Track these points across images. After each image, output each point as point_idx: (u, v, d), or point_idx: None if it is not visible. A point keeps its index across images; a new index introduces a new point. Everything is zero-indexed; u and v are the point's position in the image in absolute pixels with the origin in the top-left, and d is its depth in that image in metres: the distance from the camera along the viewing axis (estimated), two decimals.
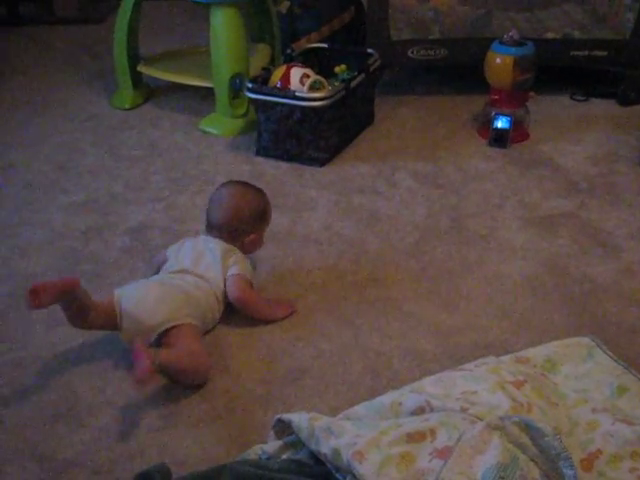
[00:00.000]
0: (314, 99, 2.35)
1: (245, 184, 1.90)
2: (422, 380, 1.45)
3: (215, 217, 1.82)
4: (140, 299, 1.63)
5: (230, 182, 1.92)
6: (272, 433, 1.38)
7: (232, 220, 1.80)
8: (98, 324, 1.62)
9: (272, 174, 2.40)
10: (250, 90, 2.43)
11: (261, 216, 1.84)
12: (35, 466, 1.40)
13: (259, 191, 1.89)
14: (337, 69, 2.59)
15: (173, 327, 1.60)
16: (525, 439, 1.18)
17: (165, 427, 1.48)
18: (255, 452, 1.35)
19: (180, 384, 1.57)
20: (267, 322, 1.74)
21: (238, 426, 1.48)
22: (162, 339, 1.60)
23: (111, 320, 1.62)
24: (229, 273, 1.75)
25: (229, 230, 1.80)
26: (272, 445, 1.35)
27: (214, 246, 1.78)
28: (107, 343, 1.67)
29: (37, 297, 1.50)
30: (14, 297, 1.86)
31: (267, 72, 2.51)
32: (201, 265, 1.75)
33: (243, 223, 1.80)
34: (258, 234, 1.84)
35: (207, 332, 1.72)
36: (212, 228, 1.82)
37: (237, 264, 1.76)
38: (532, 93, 2.56)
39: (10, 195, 2.32)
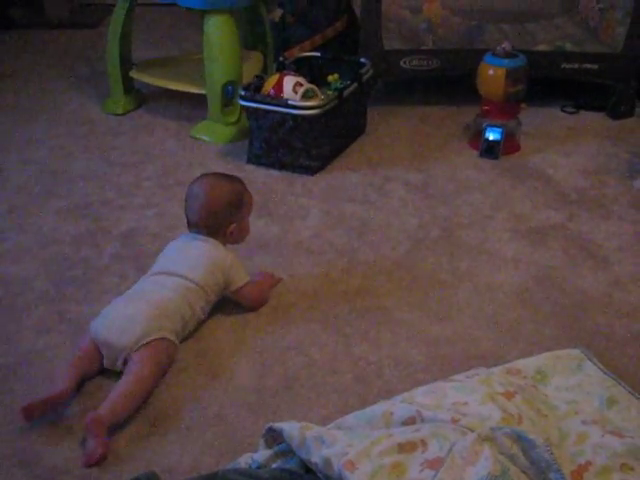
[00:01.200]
0: (306, 107, 2.35)
1: (216, 176, 1.88)
2: (413, 390, 1.46)
3: (191, 216, 1.81)
4: (109, 324, 1.62)
5: (201, 176, 1.88)
6: (262, 442, 1.37)
7: (207, 217, 1.78)
8: (98, 366, 1.62)
9: (263, 182, 2.40)
10: (243, 98, 2.43)
11: (237, 205, 1.81)
12: (22, 473, 1.40)
13: (232, 180, 1.85)
14: (330, 78, 2.59)
15: (147, 343, 1.59)
16: (516, 450, 1.18)
17: (154, 434, 1.48)
18: (245, 461, 1.35)
19: None
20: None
21: (228, 434, 1.47)
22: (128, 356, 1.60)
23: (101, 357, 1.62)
24: (234, 288, 1.78)
25: (207, 226, 1.79)
26: (262, 454, 1.35)
27: (198, 243, 1.78)
28: None
29: (30, 414, 1.49)
30: (4, 302, 1.85)
31: (260, 80, 2.51)
32: (183, 264, 1.74)
33: (219, 217, 1.79)
34: (239, 223, 1.82)
35: (198, 339, 1.72)
36: (192, 225, 1.82)
37: (235, 274, 1.78)
38: (523, 105, 2.57)
39: (1, 199, 2.31)
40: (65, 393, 1.52)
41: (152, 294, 1.68)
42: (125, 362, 1.59)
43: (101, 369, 1.62)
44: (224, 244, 1.81)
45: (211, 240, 1.78)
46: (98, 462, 1.41)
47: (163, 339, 1.62)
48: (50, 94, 3.09)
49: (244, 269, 1.82)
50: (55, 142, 2.68)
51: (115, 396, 1.51)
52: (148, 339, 1.59)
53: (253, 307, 1.82)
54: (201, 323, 1.75)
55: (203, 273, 1.73)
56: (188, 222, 1.82)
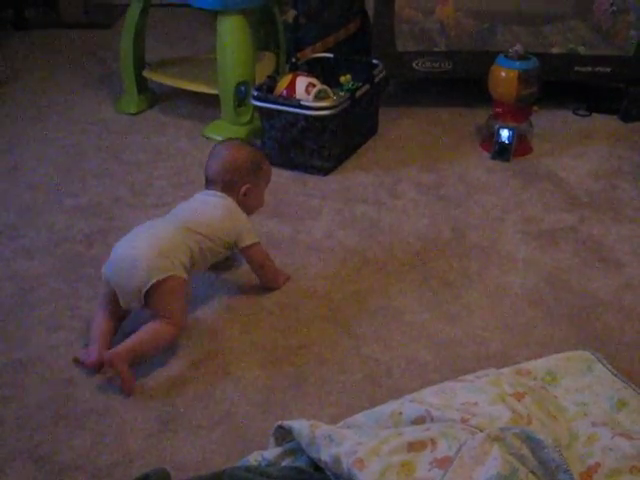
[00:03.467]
0: (319, 108, 2.36)
1: (239, 140, 1.95)
2: (422, 390, 1.46)
3: (211, 169, 1.86)
4: (116, 267, 1.68)
5: (227, 139, 1.95)
6: (272, 440, 1.38)
7: (224, 172, 1.83)
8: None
9: (275, 182, 2.36)
10: (255, 98, 2.44)
11: (254, 168, 1.87)
12: (34, 468, 1.41)
13: (253, 147, 1.95)
14: (342, 79, 2.59)
15: (157, 284, 1.63)
16: (525, 451, 1.18)
17: (165, 432, 1.48)
18: (255, 458, 1.35)
19: None
20: (268, 287, 1.88)
21: (238, 432, 1.48)
22: (147, 298, 1.65)
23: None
24: (243, 245, 1.81)
25: (224, 181, 1.83)
26: (272, 452, 1.35)
27: (213, 199, 1.82)
28: None
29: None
30: (16, 298, 1.86)
31: (273, 80, 2.51)
32: (192, 213, 1.79)
33: (235, 174, 1.83)
34: (253, 185, 1.86)
35: (209, 337, 1.73)
36: (209, 182, 1.86)
37: (246, 231, 1.81)
38: (535, 107, 2.57)
39: (14, 197, 2.33)
40: (96, 364, 1.61)
41: (153, 234, 1.72)
42: (144, 305, 1.65)
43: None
44: (238, 204, 1.84)
45: (226, 196, 1.82)
46: (132, 391, 1.56)
47: (172, 277, 1.66)
48: (64, 93, 3.10)
49: (256, 232, 1.85)
50: (68, 141, 2.69)
51: (136, 337, 1.62)
52: (156, 279, 1.63)
53: (260, 271, 1.86)
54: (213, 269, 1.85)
55: (211, 220, 1.77)
56: (206, 178, 1.87)
